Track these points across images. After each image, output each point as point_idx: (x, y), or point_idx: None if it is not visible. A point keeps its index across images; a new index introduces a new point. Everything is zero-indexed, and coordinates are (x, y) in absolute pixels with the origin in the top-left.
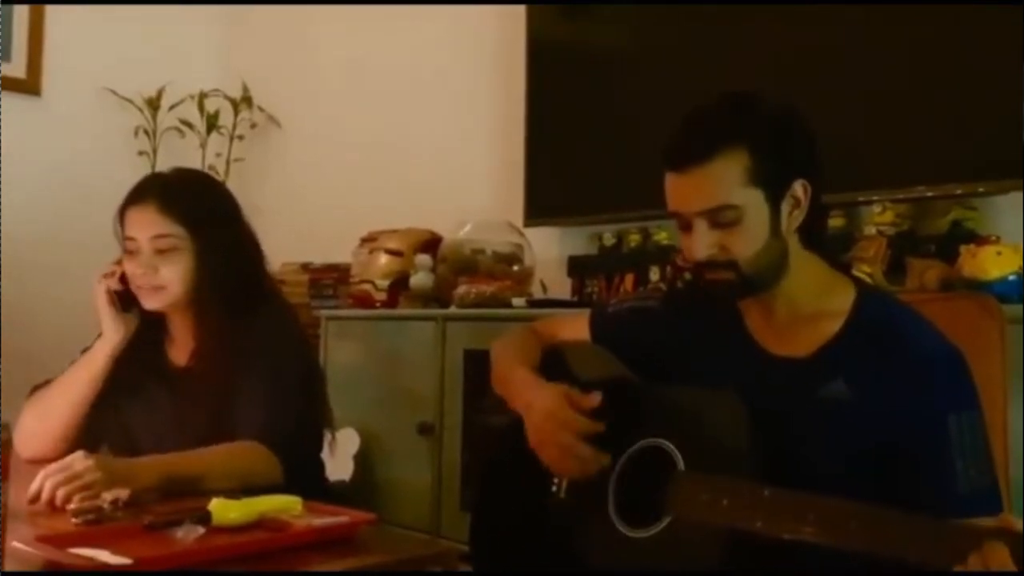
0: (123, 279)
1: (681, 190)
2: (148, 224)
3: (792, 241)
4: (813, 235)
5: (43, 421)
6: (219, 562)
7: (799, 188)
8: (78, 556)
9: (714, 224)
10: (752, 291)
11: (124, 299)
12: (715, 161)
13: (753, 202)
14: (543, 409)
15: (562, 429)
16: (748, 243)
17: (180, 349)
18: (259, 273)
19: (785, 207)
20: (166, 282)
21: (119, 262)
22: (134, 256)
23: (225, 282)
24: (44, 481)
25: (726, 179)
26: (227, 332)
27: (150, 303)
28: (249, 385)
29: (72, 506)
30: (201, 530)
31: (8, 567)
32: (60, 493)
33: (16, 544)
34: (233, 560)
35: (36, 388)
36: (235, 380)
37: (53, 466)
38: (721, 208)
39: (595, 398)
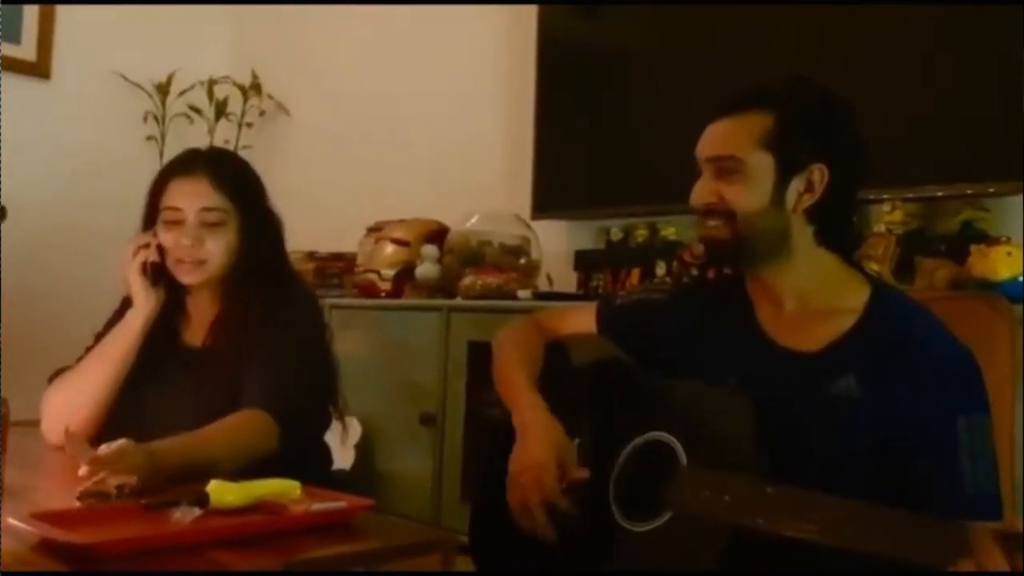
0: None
1: (705, 136)
2: (199, 196)
3: (799, 226)
4: (832, 231)
5: (75, 401)
6: (215, 544)
7: (816, 172)
8: (70, 534)
9: (718, 173)
10: (744, 257)
11: (155, 273)
12: (741, 115)
13: (762, 164)
14: (529, 461)
15: (537, 491)
16: (746, 198)
17: (196, 330)
18: (285, 255)
19: (795, 184)
20: (209, 255)
21: (153, 235)
22: (176, 227)
23: (261, 260)
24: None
25: (742, 133)
26: (252, 309)
27: (189, 277)
28: (260, 357)
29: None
30: (198, 512)
31: (4, 542)
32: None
33: (11, 521)
34: (229, 542)
35: (56, 374)
36: (249, 357)
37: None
38: (725, 157)
39: (583, 472)
